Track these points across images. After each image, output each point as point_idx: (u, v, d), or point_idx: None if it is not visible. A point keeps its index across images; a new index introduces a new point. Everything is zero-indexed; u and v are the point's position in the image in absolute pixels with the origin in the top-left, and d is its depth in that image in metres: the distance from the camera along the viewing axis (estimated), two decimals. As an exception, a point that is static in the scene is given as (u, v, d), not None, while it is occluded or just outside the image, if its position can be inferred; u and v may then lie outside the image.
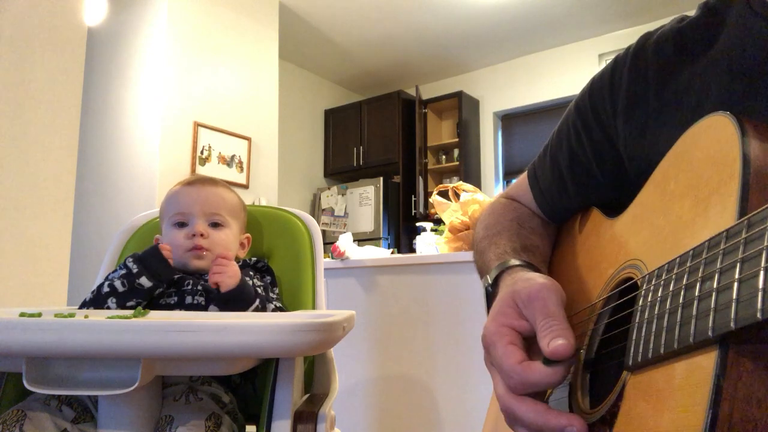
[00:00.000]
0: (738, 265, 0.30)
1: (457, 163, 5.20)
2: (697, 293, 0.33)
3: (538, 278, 0.49)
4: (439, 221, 2.38)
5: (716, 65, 0.52)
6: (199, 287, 0.96)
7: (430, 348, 1.98)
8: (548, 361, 0.42)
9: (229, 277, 0.91)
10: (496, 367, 0.46)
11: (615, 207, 0.59)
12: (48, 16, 2.03)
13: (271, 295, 1.02)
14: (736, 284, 0.29)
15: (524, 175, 0.76)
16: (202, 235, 1.00)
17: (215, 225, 1.03)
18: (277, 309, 0.98)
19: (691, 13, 0.58)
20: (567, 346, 0.41)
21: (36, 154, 1.96)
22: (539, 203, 0.72)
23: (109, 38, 3.51)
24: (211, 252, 1.00)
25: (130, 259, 0.95)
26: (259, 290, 0.99)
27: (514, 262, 0.58)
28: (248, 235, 1.12)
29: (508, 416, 0.45)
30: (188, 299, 0.95)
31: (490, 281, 0.58)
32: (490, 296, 0.58)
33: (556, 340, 0.41)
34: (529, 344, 0.47)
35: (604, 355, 0.51)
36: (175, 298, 0.95)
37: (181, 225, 1.02)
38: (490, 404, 0.76)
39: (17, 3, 1.94)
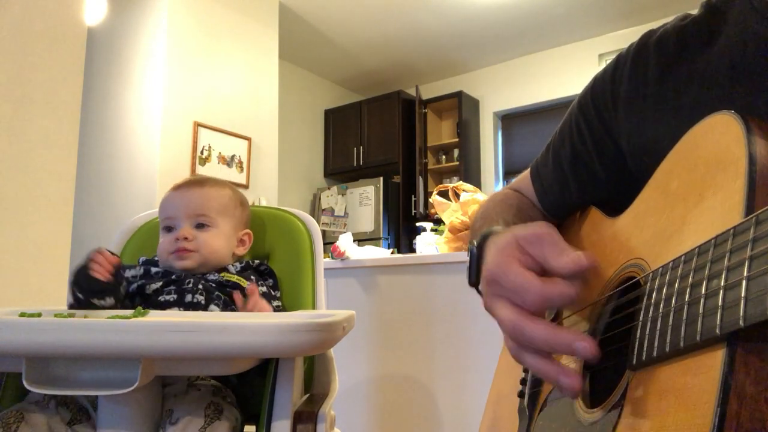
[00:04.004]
0: (747, 262, 0.29)
1: (457, 163, 5.20)
2: (704, 291, 0.33)
3: (539, 221, 0.50)
4: (439, 221, 2.38)
5: (717, 62, 0.52)
6: (200, 286, 0.96)
7: (430, 348, 1.98)
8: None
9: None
10: (509, 289, 0.45)
11: (615, 206, 0.58)
12: (48, 15, 2.02)
13: (274, 295, 1.02)
14: (744, 282, 0.29)
15: (526, 172, 0.76)
16: (186, 238, 1.00)
17: (202, 226, 1.03)
18: (277, 309, 0.99)
19: (694, 11, 0.58)
20: (583, 257, 0.42)
21: (36, 154, 1.96)
22: (540, 199, 0.72)
23: (109, 38, 3.51)
24: (199, 253, 1.00)
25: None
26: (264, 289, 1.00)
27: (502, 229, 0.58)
28: (248, 231, 1.11)
29: (517, 339, 0.45)
30: (188, 297, 0.95)
31: (476, 244, 0.58)
32: (474, 258, 0.57)
33: (573, 253, 0.43)
34: None
35: (605, 354, 0.50)
36: (175, 296, 0.95)
37: (169, 229, 1.03)
38: (486, 405, 0.76)
39: (17, 3, 1.94)
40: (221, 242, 1.04)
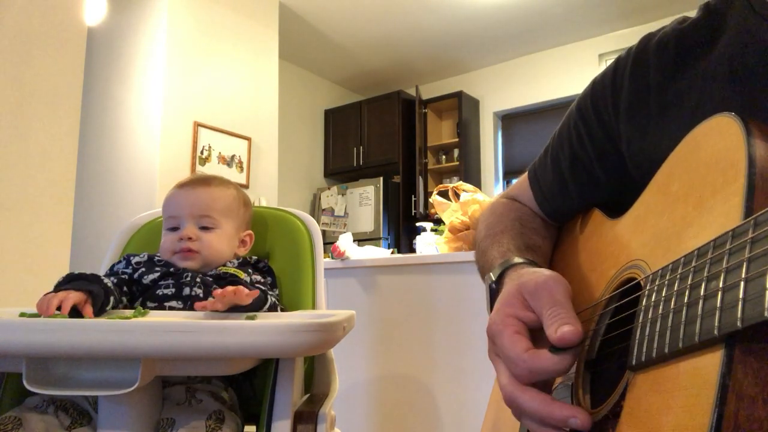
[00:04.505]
0: (745, 264, 0.29)
1: (457, 163, 5.20)
2: (702, 292, 0.33)
3: (545, 271, 0.49)
4: (439, 221, 2.38)
5: (717, 66, 0.52)
6: (198, 279, 0.96)
7: (430, 348, 1.98)
8: (555, 349, 0.42)
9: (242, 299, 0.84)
10: (502, 356, 0.46)
11: (616, 208, 0.58)
12: (48, 15, 2.02)
13: (272, 292, 1.02)
14: (743, 283, 0.29)
15: (524, 176, 0.75)
16: (190, 238, 1.00)
17: (205, 227, 1.03)
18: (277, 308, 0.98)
19: (692, 13, 0.58)
20: (574, 332, 0.41)
21: (36, 154, 1.96)
22: (540, 203, 0.72)
23: (109, 38, 3.51)
24: (201, 254, 1.00)
25: None
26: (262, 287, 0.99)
27: (518, 260, 0.58)
28: (250, 232, 1.11)
29: (512, 407, 0.45)
30: (186, 291, 0.95)
31: (494, 278, 0.58)
32: (494, 293, 0.57)
33: (563, 327, 0.41)
34: (535, 335, 0.46)
35: (605, 355, 0.50)
36: (173, 290, 0.95)
37: (174, 229, 1.03)
38: (488, 404, 0.76)
39: (17, 2, 1.94)
40: (224, 244, 1.04)
